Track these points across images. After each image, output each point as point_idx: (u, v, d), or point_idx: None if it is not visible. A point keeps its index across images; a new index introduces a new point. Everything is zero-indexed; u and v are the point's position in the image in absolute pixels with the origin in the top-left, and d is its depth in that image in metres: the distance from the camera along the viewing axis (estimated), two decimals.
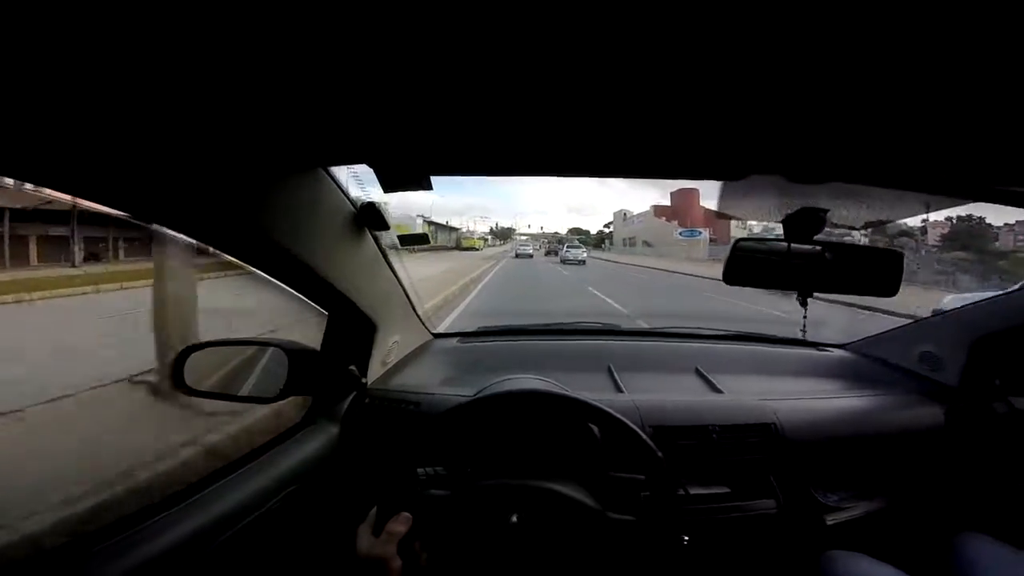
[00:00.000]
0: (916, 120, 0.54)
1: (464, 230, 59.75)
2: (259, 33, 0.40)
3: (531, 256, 37.53)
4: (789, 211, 0.88)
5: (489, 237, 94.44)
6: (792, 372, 1.65)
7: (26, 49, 0.38)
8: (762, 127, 0.59)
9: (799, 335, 1.73)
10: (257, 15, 0.37)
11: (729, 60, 0.43)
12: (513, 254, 39.69)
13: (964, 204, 0.84)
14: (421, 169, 0.81)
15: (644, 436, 0.93)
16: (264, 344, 1.11)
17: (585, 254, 30.35)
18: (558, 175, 0.86)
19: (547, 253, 48.54)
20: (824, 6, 0.34)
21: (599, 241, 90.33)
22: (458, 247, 46.56)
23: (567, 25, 0.38)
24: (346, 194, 0.95)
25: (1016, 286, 1.37)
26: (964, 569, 1.11)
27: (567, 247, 32.43)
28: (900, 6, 0.33)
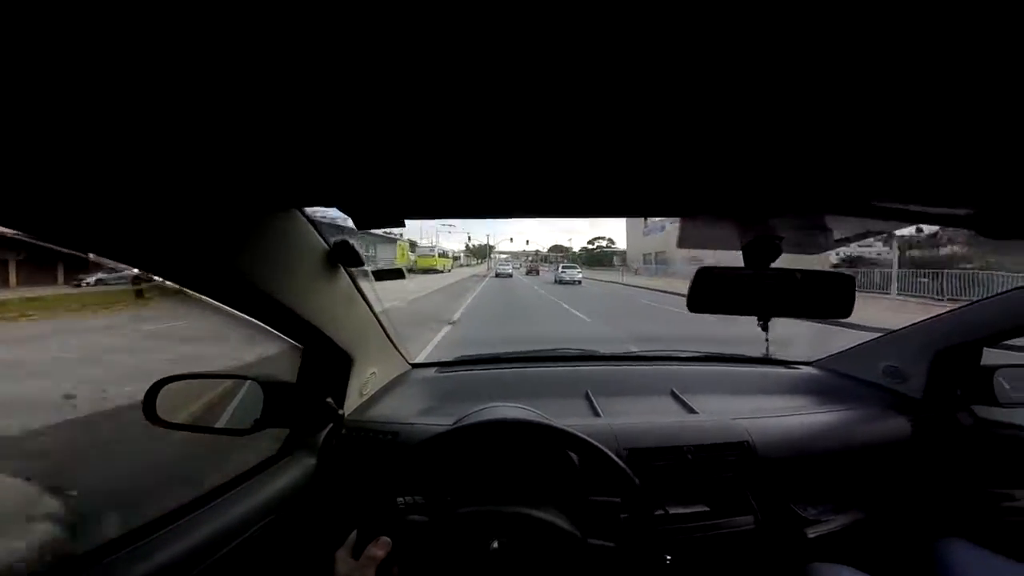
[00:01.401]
0: (855, 154, 0.58)
1: (424, 244, 44.26)
2: (234, 77, 0.41)
3: (511, 276, 37.03)
4: (748, 239, 0.92)
5: (461, 255, 78.06)
6: (764, 390, 1.69)
7: None
8: (712, 170, 0.63)
9: (765, 354, 1.78)
10: (233, 59, 0.38)
11: (688, 113, 0.46)
12: (493, 274, 39.19)
13: (901, 225, 0.89)
14: (394, 212, 0.83)
15: (618, 461, 0.95)
16: (239, 377, 1.11)
17: (580, 275, 29.48)
18: (529, 216, 0.89)
19: (528, 272, 47.19)
20: (759, 56, 0.36)
21: (594, 260, 75.35)
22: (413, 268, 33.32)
23: (534, 75, 0.40)
24: (320, 232, 0.97)
25: (972, 300, 1.44)
26: (945, 574, 1.15)
27: (562, 268, 31.31)
28: (830, 49, 0.35)
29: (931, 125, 0.48)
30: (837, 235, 1.00)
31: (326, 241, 1.00)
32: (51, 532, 0.72)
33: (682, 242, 0.97)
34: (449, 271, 38.55)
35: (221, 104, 0.46)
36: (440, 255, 41.40)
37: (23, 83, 0.39)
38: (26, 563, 0.66)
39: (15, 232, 0.54)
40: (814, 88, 0.41)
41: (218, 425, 1.19)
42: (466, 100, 0.44)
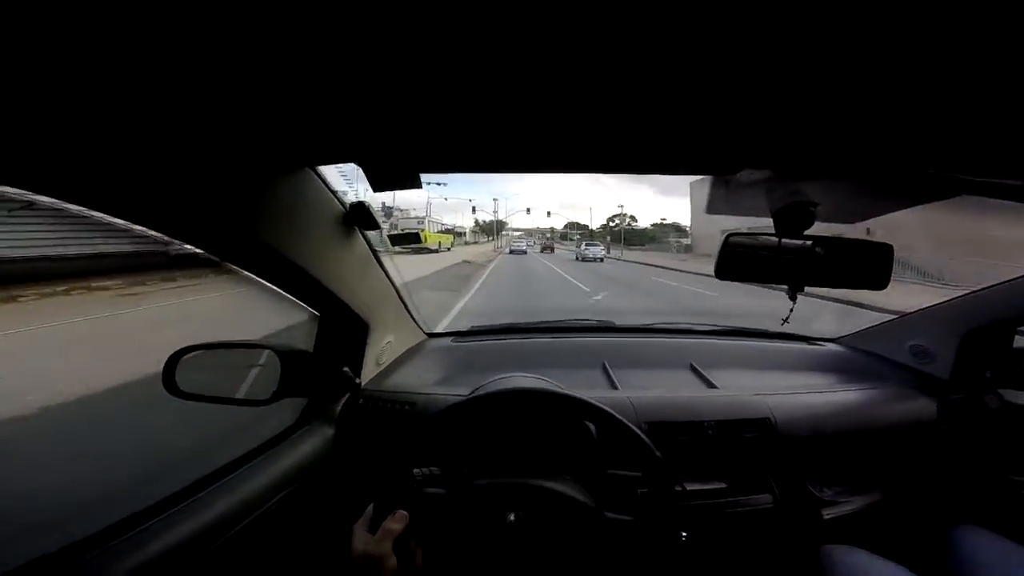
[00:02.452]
0: (903, 115, 0.54)
1: (413, 215, 35.49)
2: (245, 33, 0.40)
3: (525, 253, 37.04)
4: (780, 205, 0.88)
5: (466, 232, 64.62)
6: (786, 367, 1.66)
7: (12, 54, 0.38)
8: (751, 122, 0.60)
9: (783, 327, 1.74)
10: (243, 15, 0.37)
11: (717, 55, 0.43)
12: (507, 250, 39.15)
13: (952, 198, 0.84)
14: (410, 166, 0.81)
15: (640, 433, 0.93)
16: (256, 347, 1.11)
17: (603, 252, 30.41)
18: (548, 171, 0.86)
19: (543, 250, 46.39)
20: (812, 5, 0.34)
21: (633, 237, 60.84)
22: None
23: (556, 19, 0.38)
24: (335, 193, 0.95)
25: (1003, 280, 1.38)
26: (960, 561, 1.13)
27: (585, 245, 31.67)
28: (886, 5, 0.33)
29: (988, 89, 0.45)
30: (874, 203, 0.95)
31: (341, 202, 0.98)
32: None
33: (710, 207, 0.93)
34: (448, 250, 31.12)
35: (231, 59, 0.45)
36: (443, 231, 35.40)
37: (46, 47, 0.39)
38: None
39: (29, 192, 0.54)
40: (860, 38, 0.38)
41: (242, 395, 1.20)
42: (479, 48, 0.43)
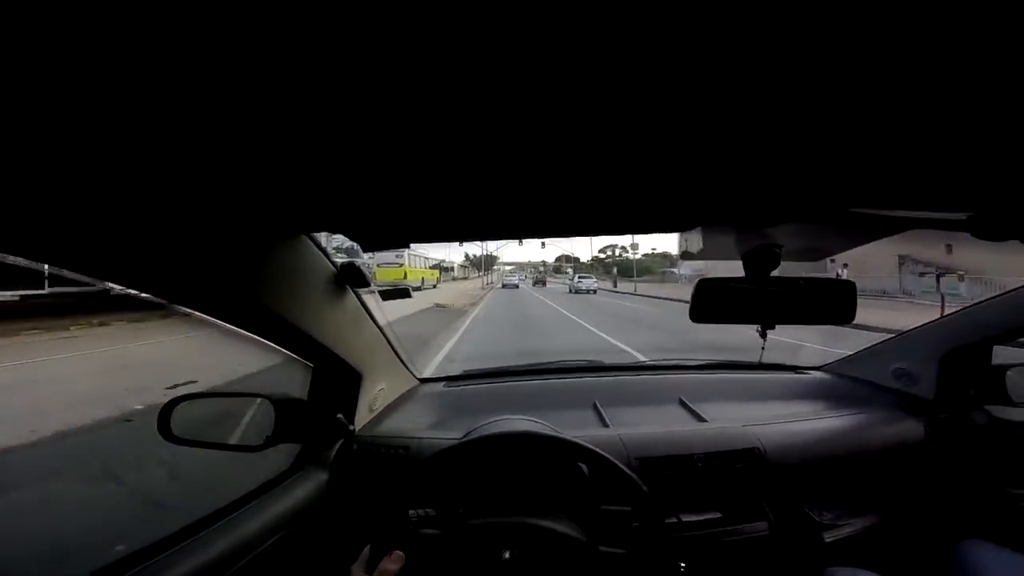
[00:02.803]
0: (849, 162, 0.58)
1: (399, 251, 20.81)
2: (242, 110, 0.42)
3: (517, 287, 36.99)
4: (747, 249, 0.94)
5: (454, 267, 59.10)
6: (773, 397, 1.68)
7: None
8: (699, 184, 0.65)
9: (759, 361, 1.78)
10: (240, 92, 0.39)
11: (681, 126, 0.47)
12: (500, 285, 39.05)
13: (897, 231, 0.90)
14: (400, 237, 0.86)
15: (626, 470, 0.95)
16: (250, 396, 1.13)
17: (596, 284, 30.47)
18: (530, 237, 0.92)
19: (535, 283, 46.40)
20: (744, 67, 0.37)
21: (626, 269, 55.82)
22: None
23: (529, 102, 0.41)
24: (327, 256, 1.01)
25: (978, 300, 1.44)
26: (966, 575, 1.13)
27: (578, 278, 31.68)
28: (815, 53, 0.35)
29: (924, 129, 0.48)
30: (834, 242, 1.01)
31: (333, 264, 1.04)
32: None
33: (684, 255, 0.99)
34: (434, 286, 27.27)
35: (229, 134, 0.47)
36: (431, 267, 30.51)
37: (39, 113, 0.40)
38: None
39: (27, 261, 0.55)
40: (802, 92, 0.40)
41: (231, 442, 1.21)
42: (465, 126, 0.46)
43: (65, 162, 0.46)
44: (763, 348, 1.10)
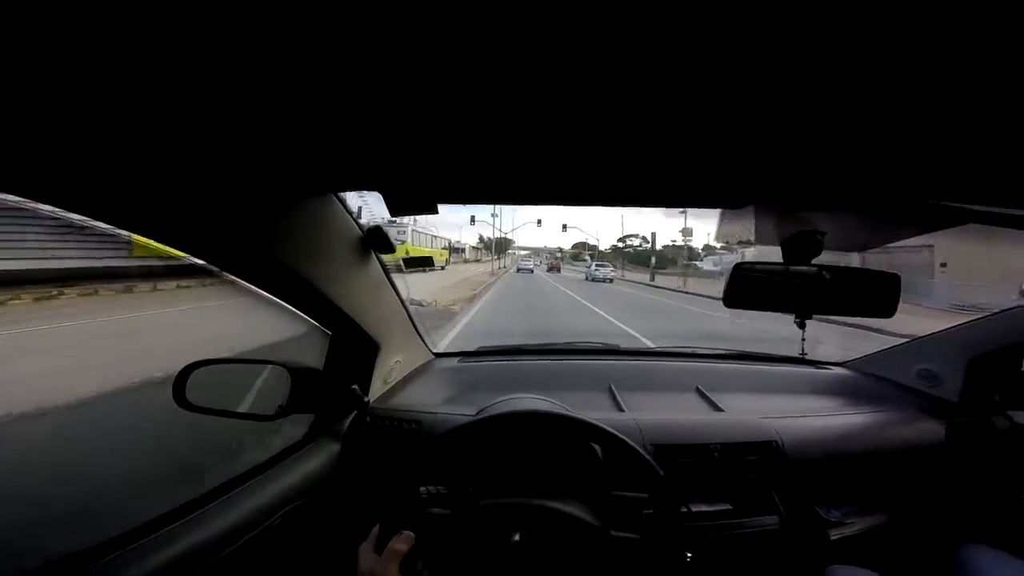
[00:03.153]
0: (907, 146, 0.55)
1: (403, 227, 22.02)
2: (277, 64, 0.41)
3: (532, 271, 37.13)
4: (787, 235, 0.89)
5: (466, 249, 57.39)
6: (792, 390, 1.66)
7: (38, 64, 0.39)
8: (760, 157, 0.61)
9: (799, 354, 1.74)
10: (274, 48, 0.38)
11: (729, 92, 0.44)
12: (514, 269, 39.10)
13: (956, 226, 0.86)
14: (429, 196, 0.83)
15: (645, 455, 0.93)
16: (266, 363, 1.12)
17: (613, 273, 31.70)
18: (562, 204, 0.88)
19: (549, 269, 46.01)
20: (815, 45, 0.35)
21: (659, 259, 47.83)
22: None
23: (574, 58, 0.39)
24: (354, 218, 0.98)
25: (1011, 305, 1.39)
26: None
27: (595, 266, 32.80)
28: (892, 41, 0.34)
29: (993, 119, 0.46)
30: (881, 232, 0.96)
31: (360, 227, 1.01)
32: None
33: (720, 236, 0.95)
34: (442, 268, 25.99)
35: (263, 91, 0.46)
36: (444, 248, 29.30)
37: (76, 74, 0.41)
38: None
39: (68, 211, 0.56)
40: (862, 73, 0.39)
41: (245, 410, 1.21)
42: (499, 84, 0.44)
43: (94, 110, 0.46)
44: (803, 340, 1.06)
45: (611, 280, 28.49)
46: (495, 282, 20.47)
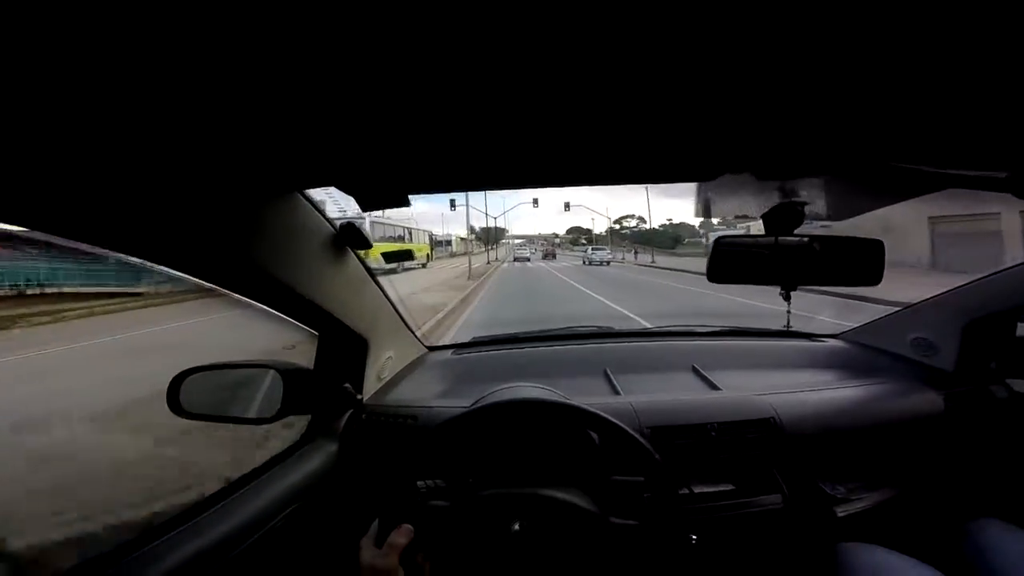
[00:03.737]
0: (884, 110, 0.55)
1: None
2: (234, 59, 0.40)
3: (528, 260, 37.08)
4: (768, 206, 0.89)
5: (452, 241, 52.27)
6: (788, 365, 1.65)
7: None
8: (729, 128, 0.60)
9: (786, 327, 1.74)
10: (231, 41, 0.37)
11: (695, 63, 0.43)
12: (512, 258, 38.87)
13: (932, 191, 0.85)
14: (398, 189, 0.82)
15: (639, 438, 0.93)
16: (257, 366, 1.12)
17: (610, 256, 32.20)
18: (533, 186, 0.87)
19: (544, 256, 45.67)
20: (779, 6, 0.34)
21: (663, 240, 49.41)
22: None
23: (539, 42, 0.38)
24: (324, 215, 0.96)
25: (1003, 267, 1.36)
26: (979, 555, 1.11)
27: (592, 249, 33.45)
28: (856, 3, 0.33)
29: (966, 80, 0.45)
30: (862, 199, 0.96)
31: (331, 224, 1.00)
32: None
33: (698, 211, 0.94)
34: (423, 266, 25.06)
35: (214, 86, 0.45)
36: (424, 241, 26.49)
37: (21, 76, 0.39)
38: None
39: (22, 229, 0.54)
40: (828, 36, 0.38)
41: (239, 414, 1.21)
42: (462, 66, 0.43)
43: (41, 111, 0.44)
44: (788, 312, 1.06)
45: (608, 263, 28.94)
46: (482, 283, 16.15)
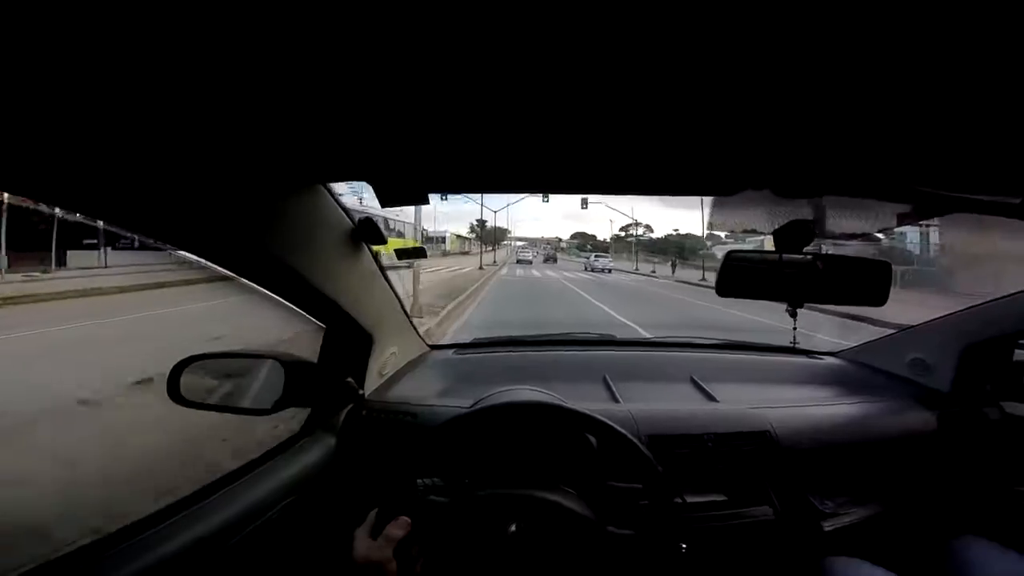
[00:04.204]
0: (896, 135, 0.55)
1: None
2: (262, 52, 0.40)
3: (531, 262, 37.02)
4: (779, 223, 0.89)
5: (449, 237, 48.37)
6: (786, 380, 1.66)
7: (29, 59, 0.38)
8: (752, 145, 0.61)
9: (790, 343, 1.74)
10: (259, 34, 0.38)
11: (720, 80, 0.44)
12: (515, 259, 38.68)
13: (948, 215, 0.86)
14: (419, 186, 0.82)
15: (640, 446, 0.93)
16: (260, 357, 1.12)
17: (611, 263, 31.66)
18: (553, 192, 0.88)
19: (545, 260, 45.86)
20: (807, 32, 0.35)
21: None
22: None
23: (564, 49, 0.39)
24: (344, 209, 0.97)
25: (1004, 294, 1.38)
26: (961, 572, 1.12)
27: (594, 256, 33.17)
28: (880, 31, 0.34)
29: (982, 108, 0.46)
30: (874, 221, 0.96)
31: (351, 218, 1.00)
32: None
33: (711, 226, 0.95)
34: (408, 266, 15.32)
35: (249, 82, 0.46)
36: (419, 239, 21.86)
37: (55, 70, 0.40)
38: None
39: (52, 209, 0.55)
40: (854, 60, 0.39)
41: (239, 405, 1.21)
42: (491, 72, 0.43)
43: (75, 104, 0.45)
44: (794, 329, 1.06)
45: (610, 271, 28.41)
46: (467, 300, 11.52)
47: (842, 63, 0.39)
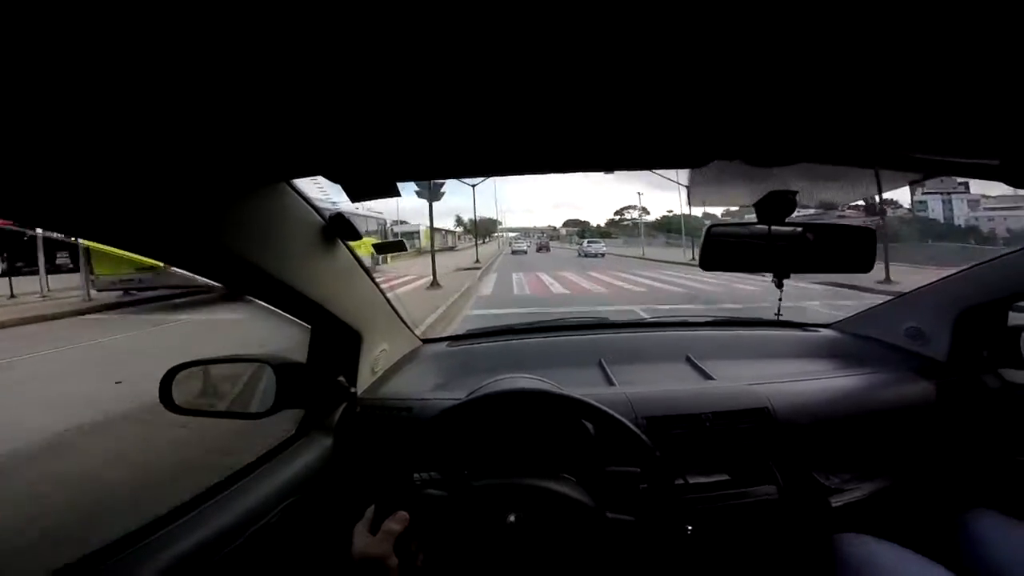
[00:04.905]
0: (874, 98, 0.55)
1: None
2: (213, 46, 0.39)
3: (525, 252, 37.00)
4: (760, 194, 0.89)
5: (422, 232, 32.42)
6: (782, 355, 1.66)
7: None
8: (716, 111, 0.60)
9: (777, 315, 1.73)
10: (210, 27, 0.36)
11: (678, 46, 0.43)
12: (510, 251, 38.75)
13: (925, 179, 0.86)
14: (386, 176, 0.81)
15: (635, 429, 0.93)
16: (249, 360, 1.11)
17: (604, 248, 33.47)
18: (521, 173, 0.86)
19: (538, 249, 45.24)
20: None
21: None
22: None
23: (524, 22, 0.38)
24: (313, 206, 0.95)
25: (994, 256, 1.36)
26: (972, 545, 1.12)
27: (588, 242, 34.57)
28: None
29: (958, 69, 0.45)
30: (854, 188, 0.96)
31: (320, 215, 0.98)
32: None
33: (692, 199, 0.94)
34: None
35: (200, 78, 0.44)
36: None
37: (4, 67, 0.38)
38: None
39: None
40: (822, 23, 0.38)
41: (233, 409, 1.21)
42: (448, 51, 0.42)
43: (22, 106, 0.43)
44: (780, 300, 1.06)
45: (603, 255, 29.92)
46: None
47: (812, 25, 0.38)
